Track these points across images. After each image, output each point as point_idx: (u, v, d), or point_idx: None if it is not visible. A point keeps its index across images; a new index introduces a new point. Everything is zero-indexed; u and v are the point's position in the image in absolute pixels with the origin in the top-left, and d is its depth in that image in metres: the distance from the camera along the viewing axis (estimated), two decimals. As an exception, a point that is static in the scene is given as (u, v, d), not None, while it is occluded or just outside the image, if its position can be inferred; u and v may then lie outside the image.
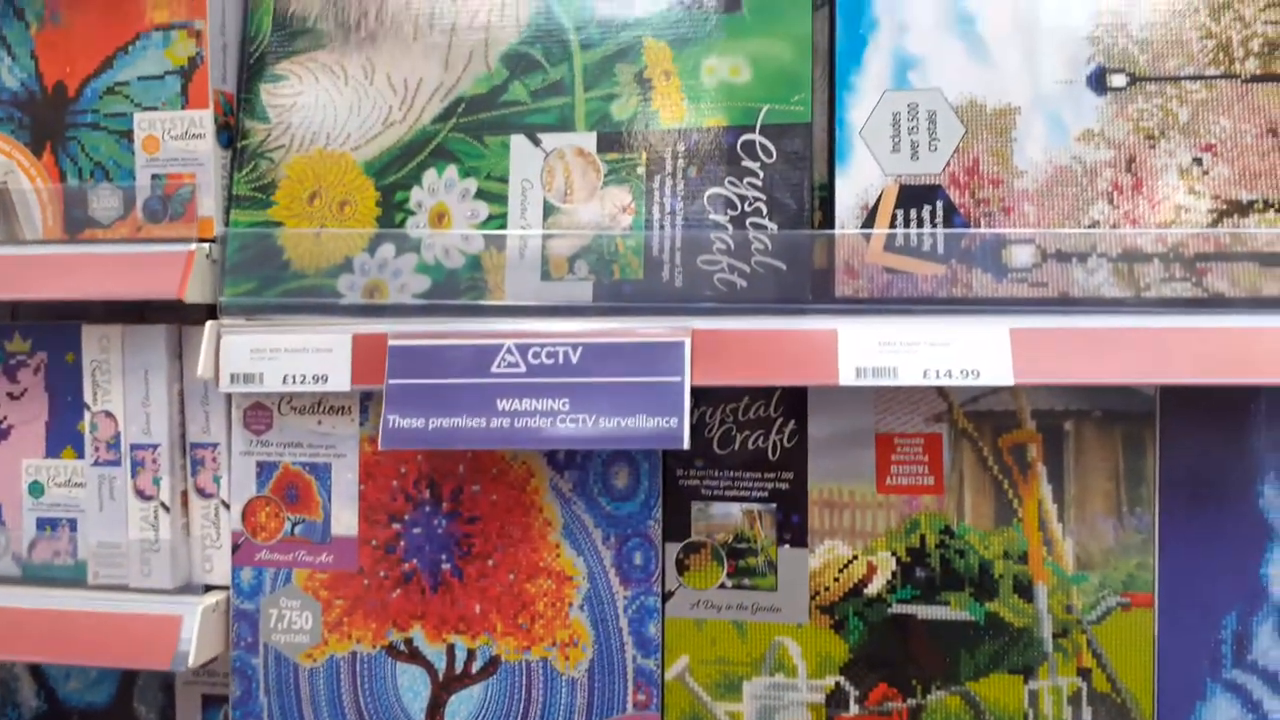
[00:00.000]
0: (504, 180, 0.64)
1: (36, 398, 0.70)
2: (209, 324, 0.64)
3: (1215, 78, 0.58)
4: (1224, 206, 0.57)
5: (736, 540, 0.63)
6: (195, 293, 0.64)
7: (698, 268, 0.61)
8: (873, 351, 0.57)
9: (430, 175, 0.65)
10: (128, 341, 0.68)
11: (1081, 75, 0.60)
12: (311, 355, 0.64)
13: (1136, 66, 0.59)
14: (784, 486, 0.63)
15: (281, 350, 0.64)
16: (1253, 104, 0.58)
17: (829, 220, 0.61)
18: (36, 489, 0.70)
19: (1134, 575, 0.59)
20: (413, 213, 0.65)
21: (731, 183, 0.62)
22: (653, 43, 0.64)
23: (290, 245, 0.65)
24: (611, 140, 0.63)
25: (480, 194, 0.64)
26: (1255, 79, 0.58)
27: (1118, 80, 0.59)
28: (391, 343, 0.62)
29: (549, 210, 0.63)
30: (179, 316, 0.69)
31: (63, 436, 0.69)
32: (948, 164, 0.60)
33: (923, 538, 0.62)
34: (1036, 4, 0.61)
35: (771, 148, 0.62)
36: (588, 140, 0.64)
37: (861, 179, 0.61)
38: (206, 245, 0.65)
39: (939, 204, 0.60)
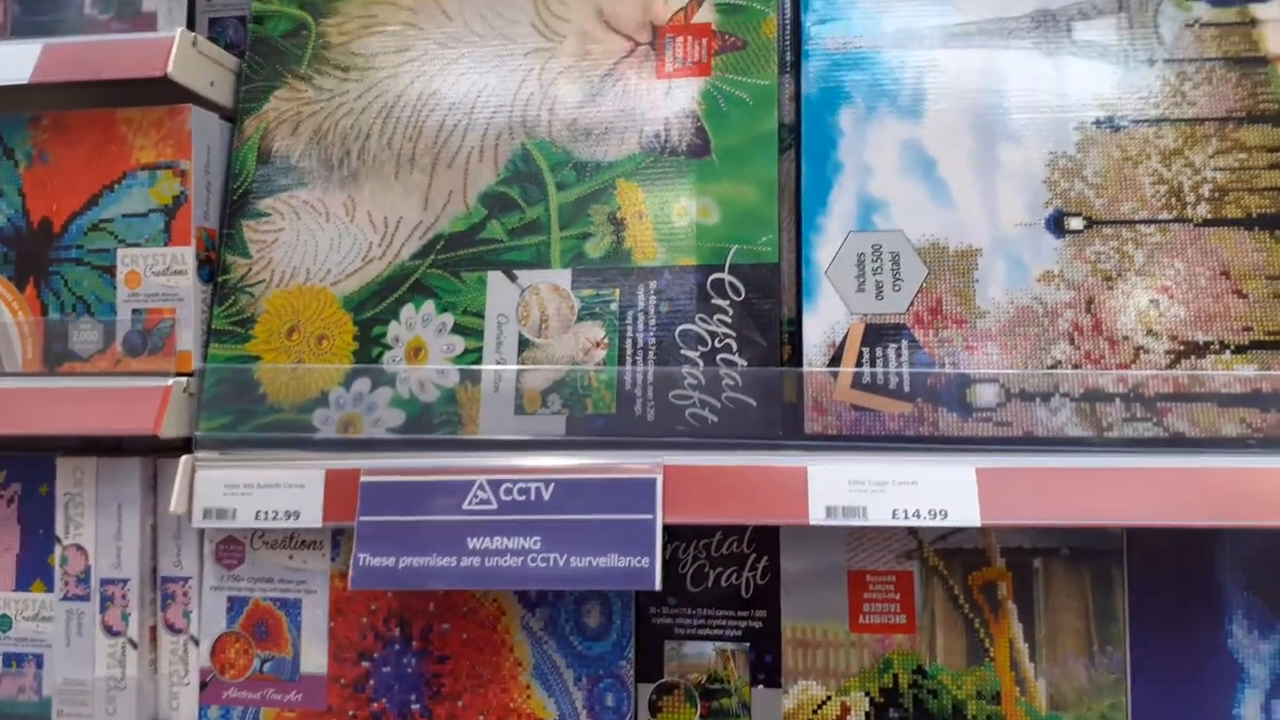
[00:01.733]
0: (480, 315, 0.67)
1: (8, 529, 0.71)
2: (183, 459, 0.66)
3: (1168, 222, 0.62)
4: (1181, 348, 0.60)
5: (710, 680, 0.64)
6: (171, 427, 0.65)
7: (669, 402, 0.63)
8: (842, 491, 0.59)
9: (408, 310, 0.67)
10: (102, 474, 0.69)
11: (1040, 218, 0.63)
12: (284, 491, 0.65)
13: (1092, 210, 0.62)
14: (757, 625, 0.64)
15: (255, 486, 0.65)
16: (1205, 247, 0.61)
17: (797, 356, 0.64)
18: (4, 622, 0.70)
19: (1107, 716, 0.60)
20: (390, 347, 0.67)
21: (702, 319, 0.64)
22: (626, 185, 0.67)
23: (267, 379, 0.67)
24: (585, 277, 0.66)
25: (457, 328, 0.67)
26: (1206, 223, 0.61)
27: (1075, 223, 0.63)
28: (364, 479, 0.63)
29: (524, 344, 0.66)
30: (155, 447, 0.70)
31: (33, 569, 0.70)
32: (912, 304, 0.63)
33: (896, 677, 0.62)
34: (994, 149, 0.64)
35: (740, 286, 0.64)
36: (563, 277, 0.66)
37: (828, 317, 0.63)
38: (184, 379, 0.67)
39: (904, 343, 0.62)
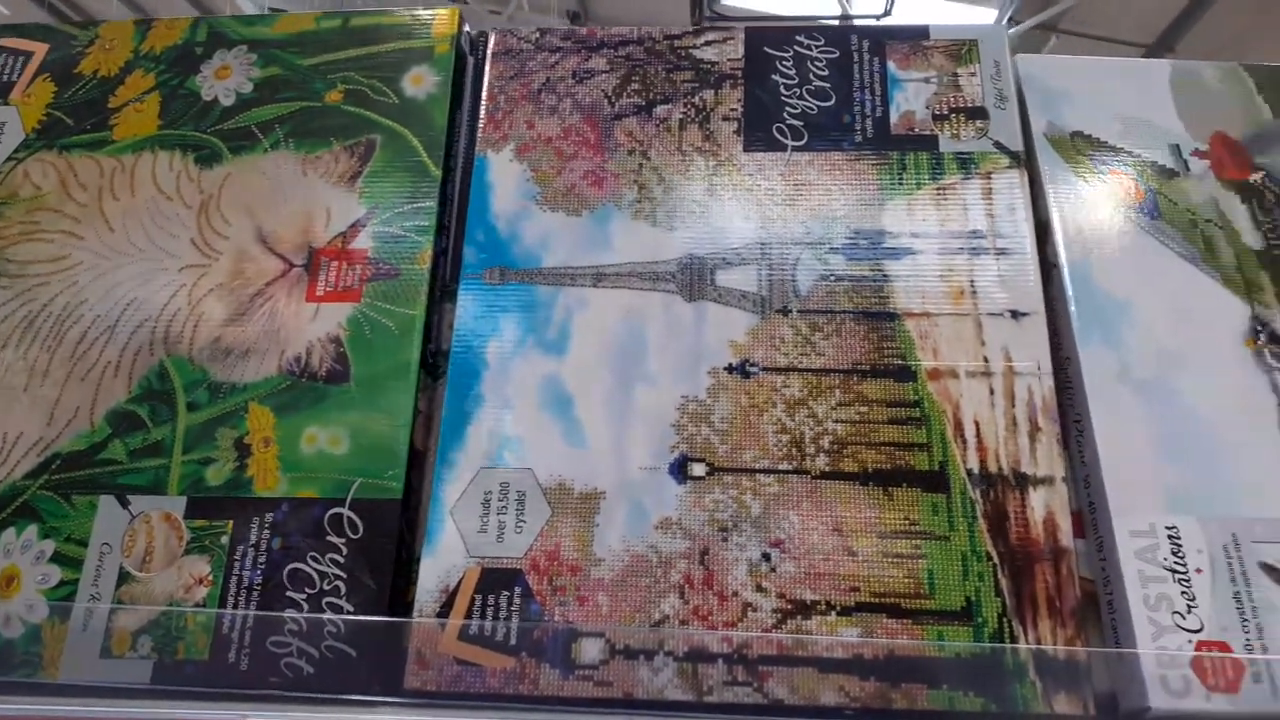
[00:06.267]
0: (84, 544, 0.66)
1: None
2: None
3: (787, 472, 0.65)
4: (789, 606, 0.62)
5: None
6: None
7: (267, 650, 0.62)
8: (426, 756, 0.58)
9: (9, 535, 0.67)
10: None
11: (665, 462, 0.66)
12: None
13: (716, 457, 0.66)
14: None
15: None
16: (820, 501, 0.64)
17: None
18: None
19: None
20: (-19, 575, 0.66)
21: (314, 558, 0.65)
22: (258, 408, 0.69)
23: None
24: (200, 506, 0.66)
25: (57, 557, 0.66)
26: (824, 476, 0.65)
27: (698, 469, 0.65)
28: (-84, 728, 0.61)
29: (123, 578, 0.65)
30: None
31: None
32: (531, 548, 0.64)
33: None
34: (631, 389, 0.68)
35: (359, 523, 0.65)
36: (177, 504, 0.67)
37: (446, 560, 0.64)
38: None
39: (517, 591, 0.63)
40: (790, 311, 0.69)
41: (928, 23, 0.79)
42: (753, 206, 0.73)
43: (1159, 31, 4.40)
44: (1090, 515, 0.65)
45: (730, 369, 0.68)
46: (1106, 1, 4.20)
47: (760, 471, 0.65)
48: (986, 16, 4.64)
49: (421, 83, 0.78)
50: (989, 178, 0.72)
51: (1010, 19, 4.59)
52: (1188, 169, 0.75)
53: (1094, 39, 4.51)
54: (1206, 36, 4.22)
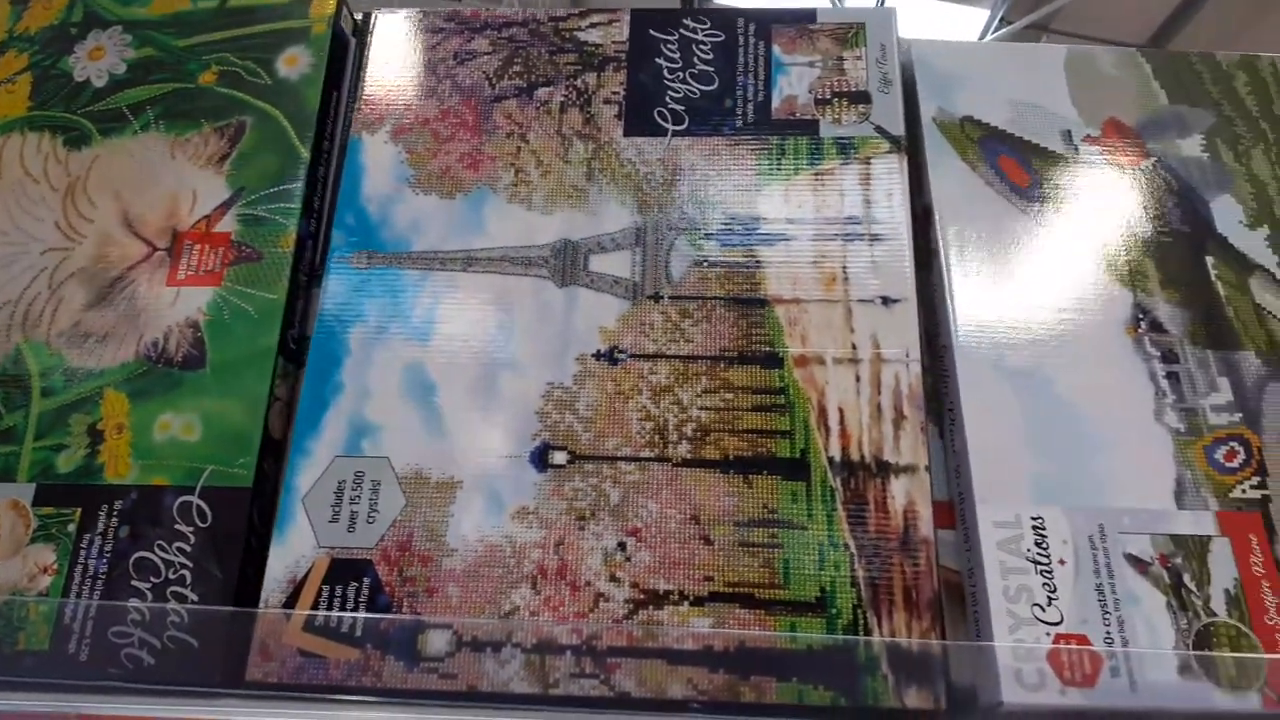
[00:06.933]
0: (-72, 532, 0.66)
1: None
2: None
3: (649, 460, 0.65)
4: (642, 596, 0.62)
5: None
6: None
7: (108, 640, 0.62)
8: (261, 749, 0.58)
9: None
10: None
11: (526, 450, 0.66)
12: None
13: (578, 445, 0.66)
14: None
15: None
16: (680, 489, 0.64)
17: (268, 589, 0.64)
18: None
19: None
20: None
21: (161, 547, 0.65)
22: (113, 394, 0.69)
23: None
24: (49, 493, 0.66)
25: (-101, 547, 0.66)
26: (685, 463, 0.65)
27: (559, 457, 0.65)
28: None
29: (-33, 569, 0.65)
30: None
31: None
32: (382, 538, 0.64)
33: None
34: (496, 376, 0.68)
35: (208, 512, 0.65)
36: (26, 492, 0.67)
37: (295, 550, 0.64)
38: None
39: (366, 581, 0.63)
40: (662, 297, 0.69)
41: (814, 6, 0.79)
42: (630, 191, 0.73)
43: (1151, 31, 4.42)
44: (960, 505, 0.65)
45: (599, 356, 0.68)
46: (1099, 2, 4.21)
47: (622, 459, 0.65)
48: (978, 17, 4.66)
49: (296, 63, 0.78)
50: (868, 163, 0.72)
51: (1002, 19, 4.61)
52: (1078, 154, 0.75)
53: (1085, 39, 4.53)
54: (1199, 36, 4.23)
